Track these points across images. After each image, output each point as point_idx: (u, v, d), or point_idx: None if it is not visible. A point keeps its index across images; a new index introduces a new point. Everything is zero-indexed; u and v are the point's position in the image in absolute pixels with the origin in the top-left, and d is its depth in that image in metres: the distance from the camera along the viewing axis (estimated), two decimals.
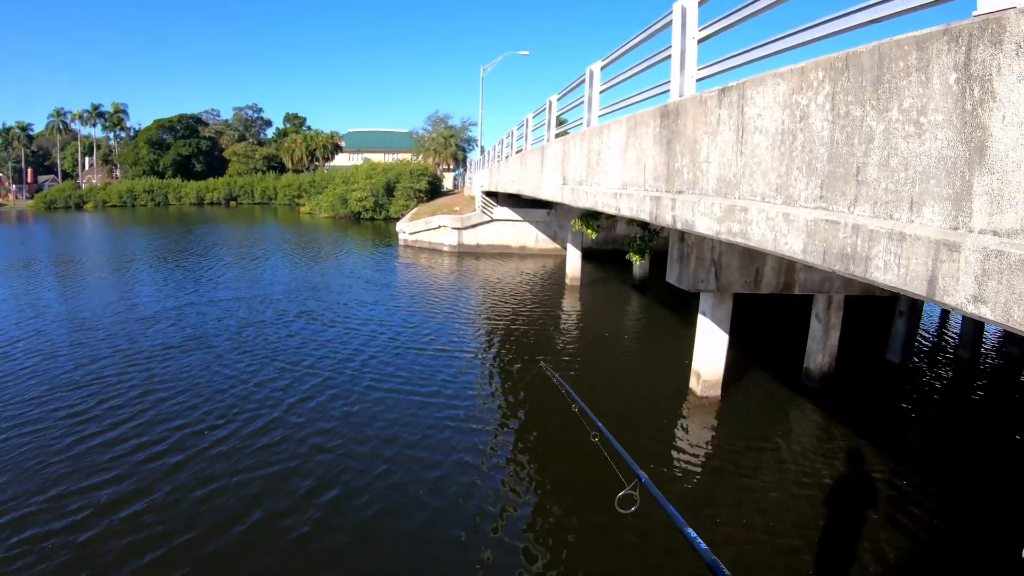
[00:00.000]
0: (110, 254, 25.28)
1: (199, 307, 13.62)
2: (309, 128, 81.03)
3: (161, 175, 72.98)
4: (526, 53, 35.08)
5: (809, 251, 2.92)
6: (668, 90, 5.63)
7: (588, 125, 8.34)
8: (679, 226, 4.67)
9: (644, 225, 11.54)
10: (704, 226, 4.17)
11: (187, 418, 7.19)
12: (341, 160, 71.74)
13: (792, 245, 3.07)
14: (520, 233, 23.38)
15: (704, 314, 7.72)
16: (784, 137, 3.33)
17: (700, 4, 5.23)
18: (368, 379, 8.65)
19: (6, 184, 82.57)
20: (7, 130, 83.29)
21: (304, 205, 53.62)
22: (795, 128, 3.22)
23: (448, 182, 50.28)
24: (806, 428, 7.43)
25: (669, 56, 5.66)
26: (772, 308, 11.77)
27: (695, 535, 1.78)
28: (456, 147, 58.72)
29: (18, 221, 52.07)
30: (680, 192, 4.77)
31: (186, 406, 7.58)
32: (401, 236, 26.05)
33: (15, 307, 13.70)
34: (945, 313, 12.79)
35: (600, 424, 3.09)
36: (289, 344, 10.46)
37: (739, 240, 3.64)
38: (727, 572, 1.51)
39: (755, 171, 3.61)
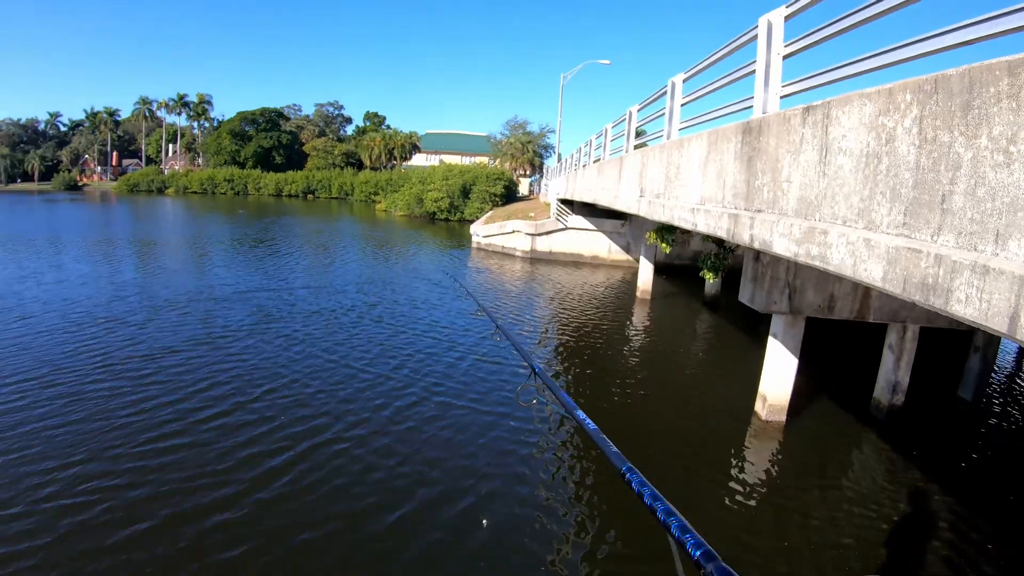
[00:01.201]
0: (192, 238, 27.67)
1: (272, 293, 14.66)
2: (388, 127, 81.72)
3: (242, 165, 75.10)
4: (607, 62, 35.07)
5: (889, 279, 2.87)
6: (751, 106, 5.58)
7: (668, 138, 8.32)
8: (756, 245, 4.64)
9: (719, 242, 11.34)
10: (782, 247, 4.13)
11: (245, 396, 7.75)
12: (418, 160, 72.38)
13: (872, 272, 3.02)
14: (593, 243, 23.33)
15: (775, 336, 7.58)
16: (868, 160, 3.28)
17: (786, 19, 5.16)
18: (424, 384, 8.59)
19: (91, 165, 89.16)
20: (95, 114, 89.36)
21: (380, 202, 54.25)
22: (880, 151, 3.18)
23: (524, 188, 50.66)
24: (870, 462, 7.12)
25: (753, 71, 5.62)
26: (843, 334, 11.37)
27: (584, 416, 1.85)
28: (533, 153, 59.11)
29: (101, 201, 55.87)
30: (759, 211, 4.73)
31: (247, 384, 8.18)
32: (474, 239, 26.64)
33: (102, 285, 15.01)
34: (1022, 351, 11.87)
35: (498, 323, 3.42)
36: (351, 337, 10.93)
37: (817, 263, 3.60)
38: (615, 449, 1.57)
39: (837, 193, 3.57)
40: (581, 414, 1.88)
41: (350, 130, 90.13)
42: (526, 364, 2.78)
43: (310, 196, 69.46)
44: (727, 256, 11.56)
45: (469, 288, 5.90)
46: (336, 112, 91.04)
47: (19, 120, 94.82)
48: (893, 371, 7.84)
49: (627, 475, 1.46)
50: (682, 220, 6.88)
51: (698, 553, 1.08)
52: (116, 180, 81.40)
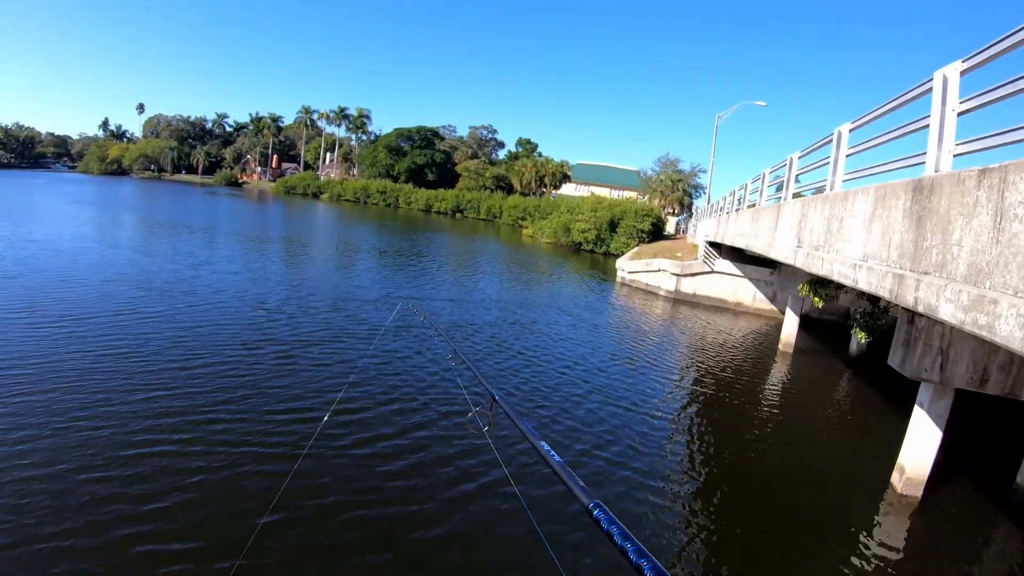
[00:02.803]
0: (355, 244, 30.84)
1: (416, 302, 16.11)
2: (540, 155, 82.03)
3: (395, 179, 78.70)
4: (763, 104, 33.59)
5: None
6: (921, 163, 5.44)
7: (831, 188, 8.11)
8: (920, 309, 4.51)
9: (874, 300, 10.65)
10: (948, 313, 4.03)
11: (373, 393, 8.69)
12: (567, 190, 72.51)
13: None
14: (738, 288, 22.49)
15: (921, 405, 7.10)
16: None
17: (962, 74, 5.02)
18: (559, 426, 8.48)
19: (252, 165, 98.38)
20: (259, 119, 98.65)
21: (527, 228, 54.30)
22: None
23: (670, 226, 49.50)
24: (1005, 553, 6.50)
25: (925, 127, 5.48)
26: (990, 409, 10.34)
27: (548, 447, 1.75)
28: (683, 192, 57.80)
29: (260, 200, 60.11)
30: (926, 273, 4.61)
31: (376, 383, 9.17)
32: (619, 273, 26.77)
33: (270, 279, 17.25)
34: None
35: (456, 348, 3.46)
36: (485, 356, 11.63)
37: (984, 334, 3.51)
38: (582, 484, 1.44)
39: (1010, 262, 3.48)
40: (545, 445, 1.77)
41: (502, 154, 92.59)
42: (486, 391, 2.55)
43: (458, 215, 71.06)
44: (881, 316, 10.81)
45: (442, 330, 7.64)
46: (490, 136, 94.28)
47: (188, 117, 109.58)
48: None
49: (595, 512, 1.35)
50: (842, 275, 6.69)
51: None
52: (274, 181, 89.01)
